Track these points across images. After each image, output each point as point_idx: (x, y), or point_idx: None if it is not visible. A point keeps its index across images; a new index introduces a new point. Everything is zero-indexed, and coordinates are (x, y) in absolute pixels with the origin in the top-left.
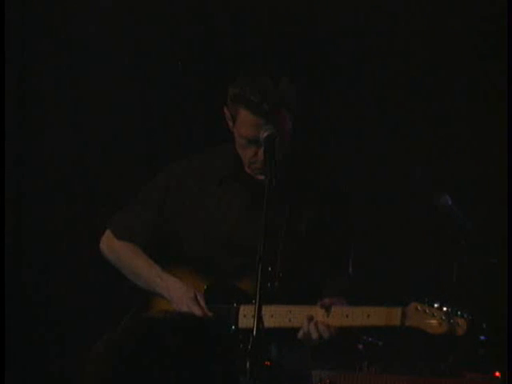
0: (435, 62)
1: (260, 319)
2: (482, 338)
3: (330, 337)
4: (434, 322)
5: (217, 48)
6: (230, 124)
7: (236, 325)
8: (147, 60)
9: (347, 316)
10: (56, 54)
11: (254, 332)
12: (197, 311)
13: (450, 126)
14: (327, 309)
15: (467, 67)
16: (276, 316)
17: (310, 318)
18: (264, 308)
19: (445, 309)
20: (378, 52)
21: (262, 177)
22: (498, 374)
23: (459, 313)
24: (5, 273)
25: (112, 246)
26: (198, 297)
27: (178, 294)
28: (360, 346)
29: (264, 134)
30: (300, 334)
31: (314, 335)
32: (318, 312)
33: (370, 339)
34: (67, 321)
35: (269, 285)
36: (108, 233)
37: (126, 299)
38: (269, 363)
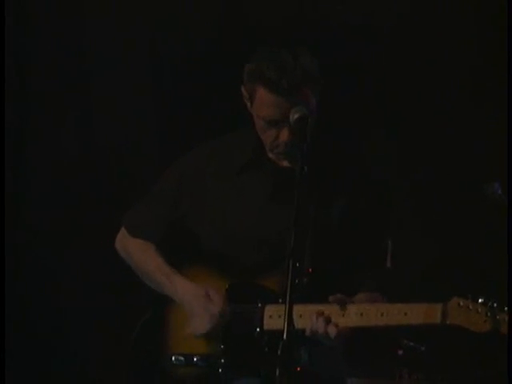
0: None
1: (291, 320)
2: None
3: (339, 337)
4: (478, 318)
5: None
6: (248, 104)
7: (261, 326)
8: (156, 53)
9: (382, 314)
10: (62, 52)
11: (285, 335)
12: (212, 309)
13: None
14: (342, 306)
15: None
16: (305, 316)
17: (320, 314)
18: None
19: (490, 304)
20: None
21: (286, 162)
22: None
23: (506, 308)
24: (5, 273)
25: (125, 244)
26: (211, 293)
27: (188, 295)
28: (400, 352)
29: (295, 116)
30: (307, 332)
31: (320, 334)
32: (350, 310)
33: (411, 344)
34: (70, 321)
35: (296, 281)
36: (123, 230)
37: (130, 300)
38: (300, 369)
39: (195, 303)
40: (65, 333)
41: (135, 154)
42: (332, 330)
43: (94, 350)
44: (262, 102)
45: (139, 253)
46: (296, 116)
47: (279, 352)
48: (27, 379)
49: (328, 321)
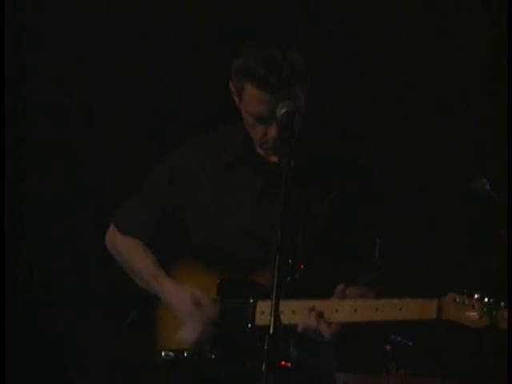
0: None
1: (278, 315)
2: None
3: (332, 335)
4: (474, 314)
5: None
6: (237, 100)
7: (253, 322)
8: (154, 46)
9: (377, 310)
10: (61, 51)
11: (271, 330)
12: (200, 317)
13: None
14: (342, 299)
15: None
16: (298, 312)
17: (311, 309)
18: (284, 303)
19: (486, 300)
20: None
21: (274, 158)
22: None
23: (502, 304)
24: (5, 273)
25: (114, 242)
26: (198, 297)
27: (174, 300)
28: (388, 347)
29: (281, 111)
30: (299, 328)
31: (313, 329)
32: (344, 306)
33: (398, 339)
34: (70, 322)
35: (288, 277)
36: (112, 227)
37: (122, 296)
38: (289, 364)
39: (182, 310)
40: (67, 333)
41: (133, 156)
42: (324, 327)
43: (92, 347)
44: (250, 98)
45: (128, 251)
46: (283, 111)
47: (265, 346)
48: (27, 379)
49: (320, 316)
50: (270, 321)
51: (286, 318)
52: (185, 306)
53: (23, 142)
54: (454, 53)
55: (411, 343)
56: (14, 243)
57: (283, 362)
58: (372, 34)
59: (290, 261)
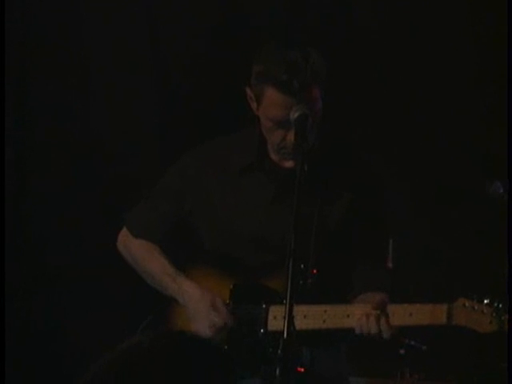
0: None
1: (291, 320)
2: None
3: (392, 334)
4: (483, 319)
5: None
6: (254, 106)
7: (265, 327)
8: (158, 53)
9: (387, 315)
10: (62, 51)
11: (285, 335)
12: (216, 321)
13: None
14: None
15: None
16: (309, 317)
17: (368, 315)
18: (296, 308)
19: (495, 305)
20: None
21: (289, 163)
22: None
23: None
24: (5, 274)
25: (127, 245)
26: (217, 303)
27: (193, 299)
28: (401, 351)
29: (295, 114)
30: (357, 331)
31: (376, 333)
32: (355, 311)
33: (412, 343)
34: (71, 322)
35: (301, 282)
36: (124, 230)
37: (132, 302)
38: (302, 369)
39: (200, 310)
40: (65, 334)
41: (137, 153)
42: (385, 328)
43: (94, 353)
44: (272, 103)
45: (143, 253)
46: (296, 114)
47: (279, 351)
48: (27, 379)
49: (379, 319)
50: (284, 326)
51: (298, 323)
52: (203, 306)
53: (25, 139)
54: (454, 53)
55: (425, 347)
56: (14, 242)
57: (299, 368)
58: (372, 34)
59: (303, 266)
